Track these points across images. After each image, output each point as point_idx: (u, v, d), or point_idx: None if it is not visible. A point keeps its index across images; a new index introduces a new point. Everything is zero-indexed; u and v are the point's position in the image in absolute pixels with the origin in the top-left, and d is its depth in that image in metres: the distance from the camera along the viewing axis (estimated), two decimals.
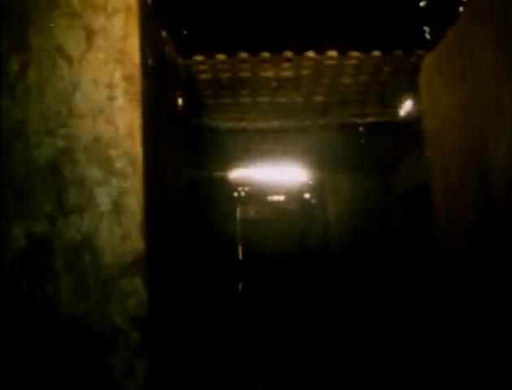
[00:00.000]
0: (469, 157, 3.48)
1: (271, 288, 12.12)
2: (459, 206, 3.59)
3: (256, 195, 10.83)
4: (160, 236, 2.93)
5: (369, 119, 5.39)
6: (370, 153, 7.12)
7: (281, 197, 10.97)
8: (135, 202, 2.68)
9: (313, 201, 10.41)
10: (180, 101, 4.03)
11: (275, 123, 5.38)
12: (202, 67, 4.23)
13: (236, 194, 10.57)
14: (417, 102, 4.96)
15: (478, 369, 3.37)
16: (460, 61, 3.51)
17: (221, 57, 4.07)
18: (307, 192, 10.10)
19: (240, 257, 12.02)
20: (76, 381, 2.60)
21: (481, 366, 3.32)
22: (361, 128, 5.90)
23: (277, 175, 9.66)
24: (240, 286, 11.54)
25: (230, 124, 5.37)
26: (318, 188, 9.40)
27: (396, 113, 5.25)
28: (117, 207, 2.68)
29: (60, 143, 2.75)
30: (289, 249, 12.04)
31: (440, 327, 4.20)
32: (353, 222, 8.64)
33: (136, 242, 2.66)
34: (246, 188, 10.31)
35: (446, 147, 3.86)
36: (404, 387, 6.55)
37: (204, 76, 4.39)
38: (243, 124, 5.38)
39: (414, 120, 5.37)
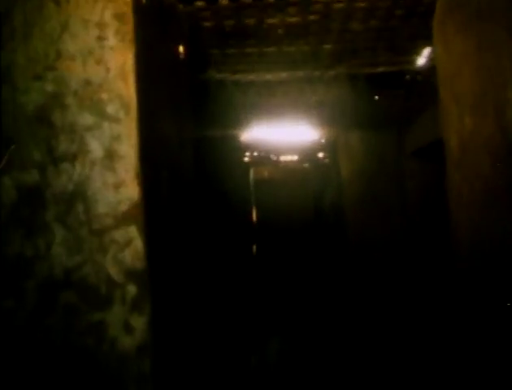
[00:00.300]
0: (485, 100, 3.25)
1: (286, 250, 11.97)
2: (475, 152, 3.36)
3: (268, 156, 10.61)
4: (158, 185, 2.75)
5: (380, 69, 5.13)
6: (383, 108, 6.86)
7: (294, 158, 10.74)
8: (128, 148, 2.49)
9: (326, 160, 10.17)
10: (181, 50, 3.81)
11: (283, 75, 5.14)
12: (204, 13, 3.99)
13: (248, 155, 10.37)
14: (430, 49, 4.70)
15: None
16: None
17: (224, 2, 3.83)
18: (320, 151, 9.85)
19: (254, 219, 11.87)
20: (70, 338, 2.44)
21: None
22: (372, 80, 5.65)
23: (289, 135, 9.43)
24: (254, 248, 11.42)
25: (237, 77, 5.14)
26: (330, 147, 9.16)
27: (408, 61, 4.99)
28: (110, 154, 2.50)
29: (49, 88, 2.55)
30: (303, 210, 11.84)
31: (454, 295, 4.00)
32: (366, 180, 8.40)
33: (131, 190, 2.48)
34: (258, 149, 10.09)
35: (461, 92, 3.62)
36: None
37: (207, 24, 4.15)
38: (251, 77, 5.14)
39: (427, 69, 5.12)
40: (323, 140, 9.18)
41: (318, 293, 10.59)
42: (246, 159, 10.47)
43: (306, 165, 11.42)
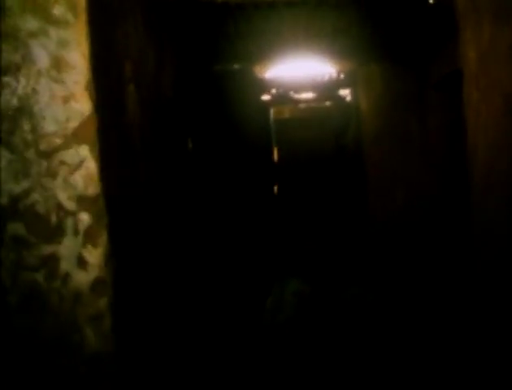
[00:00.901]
0: (506, 5, 2.77)
1: (307, 189, 11.57)
2: (494, 65, 2.88)
3: (289, 94, 10.10)
4: (116, 99, 2.34)
5: None
6: (405, 38, 6.31)
7: (314, 95, 10.22)
8: (78, 56, 2.09)
9: (346, 96, 9.64)
10: None
11: None
12: None
13: (268, 94, 9.90)
14: None
15: None
16: None
17: None
18: (340, 87, 9.31)
19: (275, 158, 11.46)
20: (20, 275, 2.10)
21: None
22: (392, 7, 5.12)
23: (308, 72, 8.93)
24: (275, 188, 11.04)
25: None
26: (350, 82, 8.62)
27: None
28: (57, 63, 2.10)
29: None
30: (324, 149, 11.36)
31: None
32: (385, 116, 7.89)
33: (82, 104, 2.09)
34: (278, 88, 9.60)
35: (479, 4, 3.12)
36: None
37: None
38: None
39: None
40: (342, 76, 8.65)
41: (338, 234, 10.22)
42: (266, 98, 10.01)
43: (327, 103, 10.87)
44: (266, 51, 6.95)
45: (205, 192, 5.16)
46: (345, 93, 9.66)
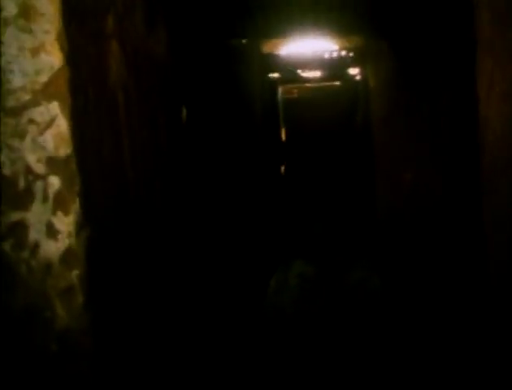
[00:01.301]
0: None
1: (315, 169, 11.34)
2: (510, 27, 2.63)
3: (297, 73, 9.83)
4: (92, 52, 2.12)
5: None
6: (414, 11, 6.04)
7: (323, 74, 9.95)
8: (48, 3, 1.87)
9: (355, 75, 9.37)
10: None
11: None
12: None
13: (276, 73, 9.65)
14: None
15: None
16: None
17: None
18: (349, 65, 9.03)
19: (284, 138, 11.23)
20: None
21: None
22: None
23: (317, 49, 8.67)
24: (283, 168, 10.82)
25: None
26: (359, 60, 8.35)
27: None
28: (26, 11, 1.87)
29: None
30: (332, 128, 11.09)
31: None
32: (396, 95, 7.62)
33: (52, 56, 1.87)
34: (286, 66, 9.34)
35: None
36: None
37: None
38: None
39: None
40: (351, 54, 8.38)
41: (345, 216, 10.00)
42: (274, 76, 9.77)
43: (336, 82, 10.60)
44: (274, 26, 6.69)
45: (202, 168, 4.95)
46: (355, 71, 9.39)
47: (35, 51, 1.87)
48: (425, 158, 7.36)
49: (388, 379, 4.37)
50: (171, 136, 3.10)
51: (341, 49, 7.91)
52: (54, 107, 1.86)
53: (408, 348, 4.85)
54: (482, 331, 3.54)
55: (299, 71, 9.78)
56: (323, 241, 9.44)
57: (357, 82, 9.40)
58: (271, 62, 9.01)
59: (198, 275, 3.79)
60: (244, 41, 7.43)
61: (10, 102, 1.89)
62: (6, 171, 1.89)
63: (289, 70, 9.67)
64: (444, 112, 7.05)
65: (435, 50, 6.42)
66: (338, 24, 6.46)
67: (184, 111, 3.20)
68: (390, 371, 4.51)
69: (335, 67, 9.17)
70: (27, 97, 1.87)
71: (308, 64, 9.30)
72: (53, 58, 1.86)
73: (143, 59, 2.60)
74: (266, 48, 8.22)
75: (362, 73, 8.83)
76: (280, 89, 10.73)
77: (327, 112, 11.09)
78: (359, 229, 9.04)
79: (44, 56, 1.87)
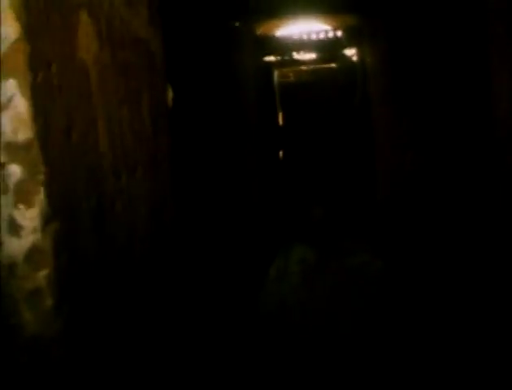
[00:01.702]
0: None
1: (314, 153, 11.09)
2: None
3: (293, 55, 9.55)
4: (56, 25, 1.86)
5: None
6: None
7: (319, 56, 9.66)
8: None
9: (352, 56, 9.09)
10: None
11: None
12: None
13: (270, 56, 9.37)
14: None
15: None
16: None
17: None
18: (345, 46, 8.75)
19: (281, 123, 10.97)
20: None
21: None
22: None
23: (313, 30, 8.40)
24: (281, 152, 10.58)
25: None
26: (355, 41, 8.07)
27: None
28: None
29: None
30: (330, 111, 10.82)
31: None
32: (394, 75, 7.34)
33: (8, 27, 1.60)
34: (282, 48, 9.05)
35: None
36: None
37: None
38: None
39: None
40: (347, 35, 8.10)
41: (345, 200, 9.76)
42: (270, 60, 9.48)
43: (332, 64, 10.31)
44: (268, 7, 6.42)
45: (195, 154, 4.70)
46: (351, 52, 9.12)
47: None
48: (425, 137, 7.08)
49: (392, 365, 4.17)
50: (158, 120, 2.84)
51: (337, 28, 7.64)
52: (11, 85, 1.61)
53: (411, 334, 4.64)
54: (484, 321, 3.35)
55: (295, 54, 9.50)
56: (323, 226, 9.21)
57: (354, 63, 9.12)
58: (266, 45, 8.73)
59: (193, 265, 3.56)
60: (237, 23, 7.14)
61: None
62: None
63: (285, 52, 9.38)
64: (447, 90, 6.76)
65: (434, 25, 6.13)
66: (333, 3, 6.20)
67: (171, 93, 2.93)
68: (394, 357, 4.31)
69: (331, 49, 8.89)
70: None
71: (304, 46, 9.02)
72: (8, 30, 1.60)
73: (121, 34, 2.35)
74: (261, 30, 7.94)
75: (359, 54, 8.55)
76: (276, 73, 10.46)
77: (325, 95, 10.82)
78: (360, 213, 8.80)
79: None
